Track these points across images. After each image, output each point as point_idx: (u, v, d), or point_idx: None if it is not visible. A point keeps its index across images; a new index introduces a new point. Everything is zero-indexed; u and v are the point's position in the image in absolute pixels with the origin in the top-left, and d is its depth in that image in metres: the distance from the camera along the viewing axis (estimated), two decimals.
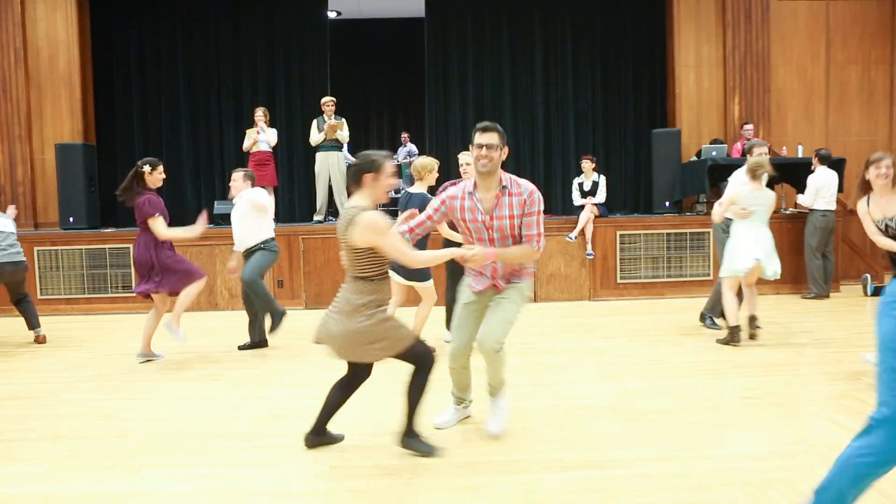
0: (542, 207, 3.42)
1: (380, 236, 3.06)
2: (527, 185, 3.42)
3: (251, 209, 5.64)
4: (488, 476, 3.04)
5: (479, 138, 3.32)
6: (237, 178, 5.75)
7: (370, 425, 3.73)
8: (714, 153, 8.57)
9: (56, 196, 9.19)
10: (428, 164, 5.37)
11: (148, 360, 5.45)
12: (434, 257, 3.45)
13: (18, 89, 9.32)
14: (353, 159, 3.27)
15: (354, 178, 3.17)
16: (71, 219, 8.88)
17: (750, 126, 9.14)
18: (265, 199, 5.71)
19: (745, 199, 5.44)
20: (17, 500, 2.93)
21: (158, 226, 5.17)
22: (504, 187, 3.37)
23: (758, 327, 5.53)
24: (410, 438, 3.30)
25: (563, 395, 4.29)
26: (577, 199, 8.56)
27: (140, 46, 10.59)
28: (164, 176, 5.42)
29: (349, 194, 3.28)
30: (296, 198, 10.71)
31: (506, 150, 3.39)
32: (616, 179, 10.34)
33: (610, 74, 10.83)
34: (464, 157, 5.55)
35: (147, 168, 5.26)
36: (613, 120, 10.88)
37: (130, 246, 8.13)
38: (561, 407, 4.02)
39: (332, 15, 11.30)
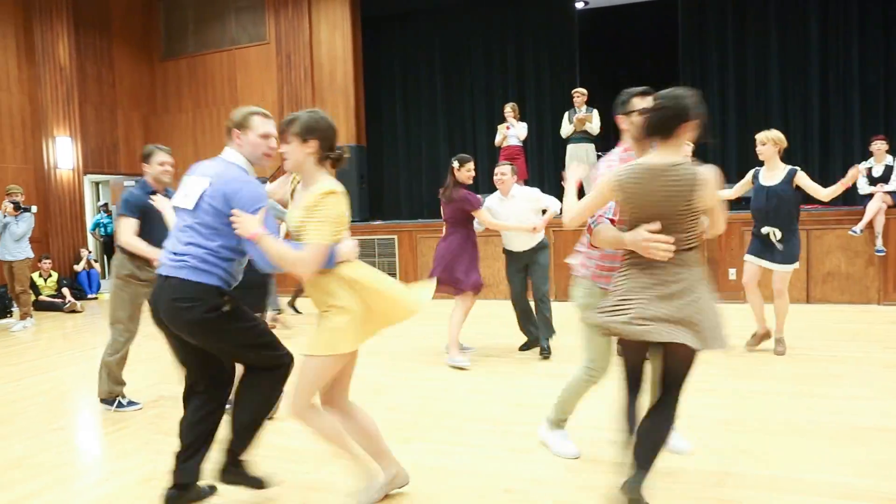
0: None
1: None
2: None
3: (530, 207, 5.18)
4: (754, 491, 2.78)
5: None
6: (507, 171, 5.21)
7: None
8: None
9: None
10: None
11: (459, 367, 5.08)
12: None
13: (306, 102, 10.79)
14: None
15: (665, 128, 2.43)
16: None
17: None
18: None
19: None
20: (282, 452, 3.36)
21: (483, 215, 5.06)
22: None
23: None
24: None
25: (846, 410, 3.76)
26: (863, 187, 7.42)
27: (403, 55, 11.62)
28: (472, 172, 5.16)
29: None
30: (546, 190, 10.75)
31: None
32: None
33: None
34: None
35: (455, 164, 5.12)
36: None
37: (395, 237, 9.00)
38: (844, 424, 3.52)
39: (579, 5, 11.19)
